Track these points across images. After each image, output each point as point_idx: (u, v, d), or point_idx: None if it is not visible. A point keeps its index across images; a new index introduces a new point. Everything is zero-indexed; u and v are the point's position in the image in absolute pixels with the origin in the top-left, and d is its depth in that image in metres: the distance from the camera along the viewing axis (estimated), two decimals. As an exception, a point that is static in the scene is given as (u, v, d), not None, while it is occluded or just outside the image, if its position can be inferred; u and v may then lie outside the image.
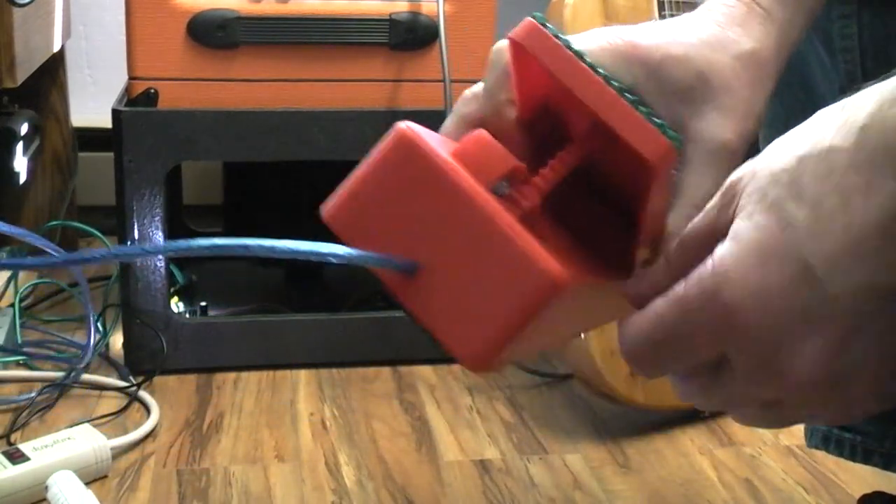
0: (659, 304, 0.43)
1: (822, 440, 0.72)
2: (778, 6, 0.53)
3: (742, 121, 0.50)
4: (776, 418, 0.45)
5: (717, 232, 0.43)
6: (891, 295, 0.39)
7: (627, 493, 0.91)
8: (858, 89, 0.40)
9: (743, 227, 0.41)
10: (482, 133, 0.42)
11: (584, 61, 0.44)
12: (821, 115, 0.41)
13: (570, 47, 0.44)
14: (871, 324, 0.39)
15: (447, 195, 0.40)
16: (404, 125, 0.42)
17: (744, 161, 0.44)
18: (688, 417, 1.03)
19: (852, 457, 0.70)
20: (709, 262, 0.41)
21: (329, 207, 0.42)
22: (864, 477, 0.93)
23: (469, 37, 1.12)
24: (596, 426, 1.03)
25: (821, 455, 0.95)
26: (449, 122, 0.52)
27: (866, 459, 0.70)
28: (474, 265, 0.40)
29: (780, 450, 0.99)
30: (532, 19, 0.45)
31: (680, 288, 0.42)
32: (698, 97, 0.50)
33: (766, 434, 1.02)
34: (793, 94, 0.70)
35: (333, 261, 0.39)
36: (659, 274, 0.45)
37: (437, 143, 0.42)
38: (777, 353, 0.41)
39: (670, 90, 0.50)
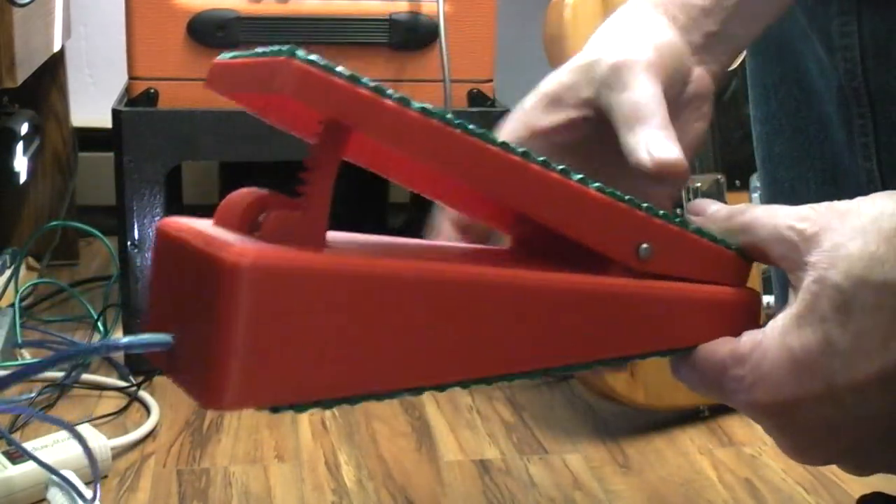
0: (707, 354, 0.47)
1: None
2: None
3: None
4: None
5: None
6: None
7: (627, 493, 0.91)
8: None
9: (791, 330, 0.44)
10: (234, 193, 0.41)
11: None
12: (892, 216, 0.43)
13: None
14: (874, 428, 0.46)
15: (187, 259, 0.38)
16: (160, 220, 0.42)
17: None
18: (688, 417, 1.03)
19: None
20: (753, 352, 0.45)
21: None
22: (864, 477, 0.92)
23: (469, 37, 1.12)
24: (596, 426, 1.03)
25: (821, 455, 0.94)
26: None
27: None
28: (198, 308, 0.37)
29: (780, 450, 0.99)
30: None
31: (726, 355, 0.46)
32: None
33: (766, 434, 1.01)
34: (788, 90, 0.70)
35: (106, 353, 0.40)
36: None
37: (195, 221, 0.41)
38: (782, 436, 0.50)
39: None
